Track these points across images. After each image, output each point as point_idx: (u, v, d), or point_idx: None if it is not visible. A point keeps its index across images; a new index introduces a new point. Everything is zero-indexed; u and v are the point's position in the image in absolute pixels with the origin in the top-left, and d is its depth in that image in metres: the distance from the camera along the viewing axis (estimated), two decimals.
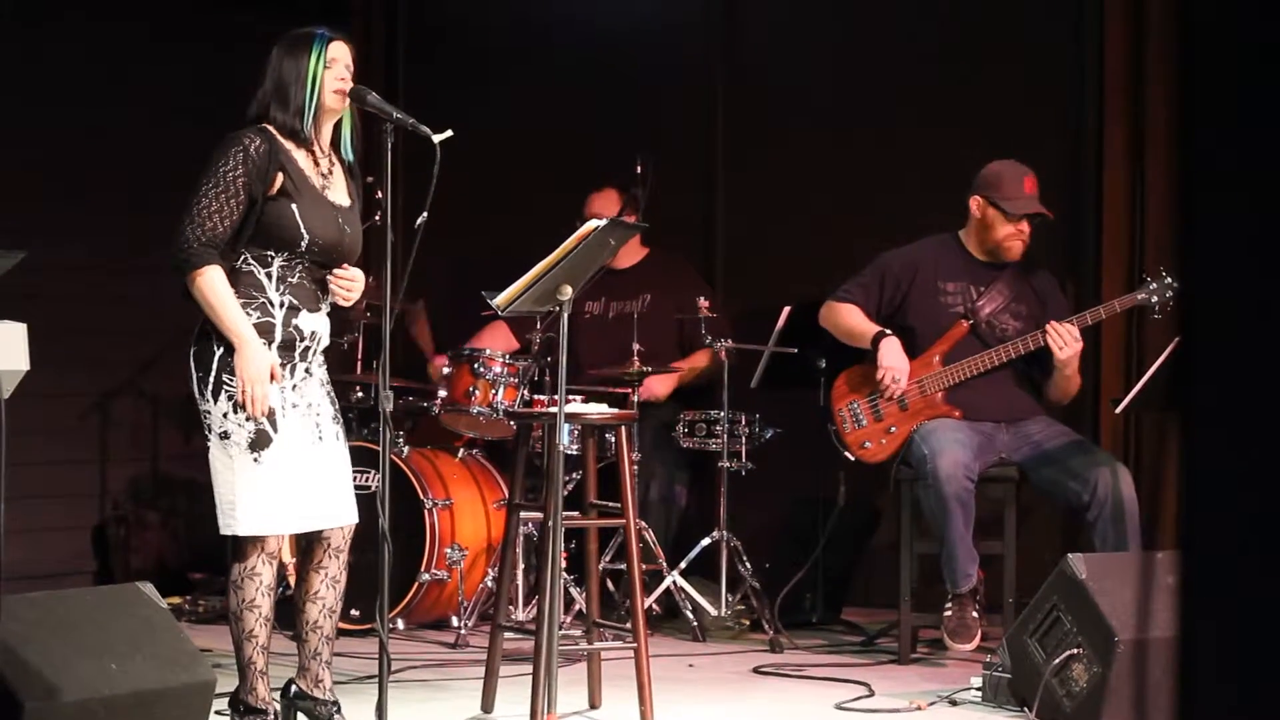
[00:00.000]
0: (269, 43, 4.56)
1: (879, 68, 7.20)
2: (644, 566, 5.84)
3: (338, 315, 4.67)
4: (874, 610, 6.79)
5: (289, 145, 4.48)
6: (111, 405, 7.38)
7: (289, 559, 5.52)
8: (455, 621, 6.52)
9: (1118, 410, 5.91)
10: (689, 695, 5.50)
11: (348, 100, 4.53)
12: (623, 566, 6.06)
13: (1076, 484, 5.88)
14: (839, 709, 5.28)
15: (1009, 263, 6.17)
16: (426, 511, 6.53)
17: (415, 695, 5.46)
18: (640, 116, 7.56)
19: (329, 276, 4.53)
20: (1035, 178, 6.08)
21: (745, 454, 6.56)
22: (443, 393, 6.60)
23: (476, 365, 6.50)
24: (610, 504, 5.21)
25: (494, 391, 6.48)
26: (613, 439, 6.21)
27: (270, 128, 4.48)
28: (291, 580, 4.83)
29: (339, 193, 4.58)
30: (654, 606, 6.57)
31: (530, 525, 6.42)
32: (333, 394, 4.65)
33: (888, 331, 6.11)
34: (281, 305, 4.46)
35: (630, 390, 6.50)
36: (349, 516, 4.60)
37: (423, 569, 6.50)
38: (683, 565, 6.49)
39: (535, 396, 6.30)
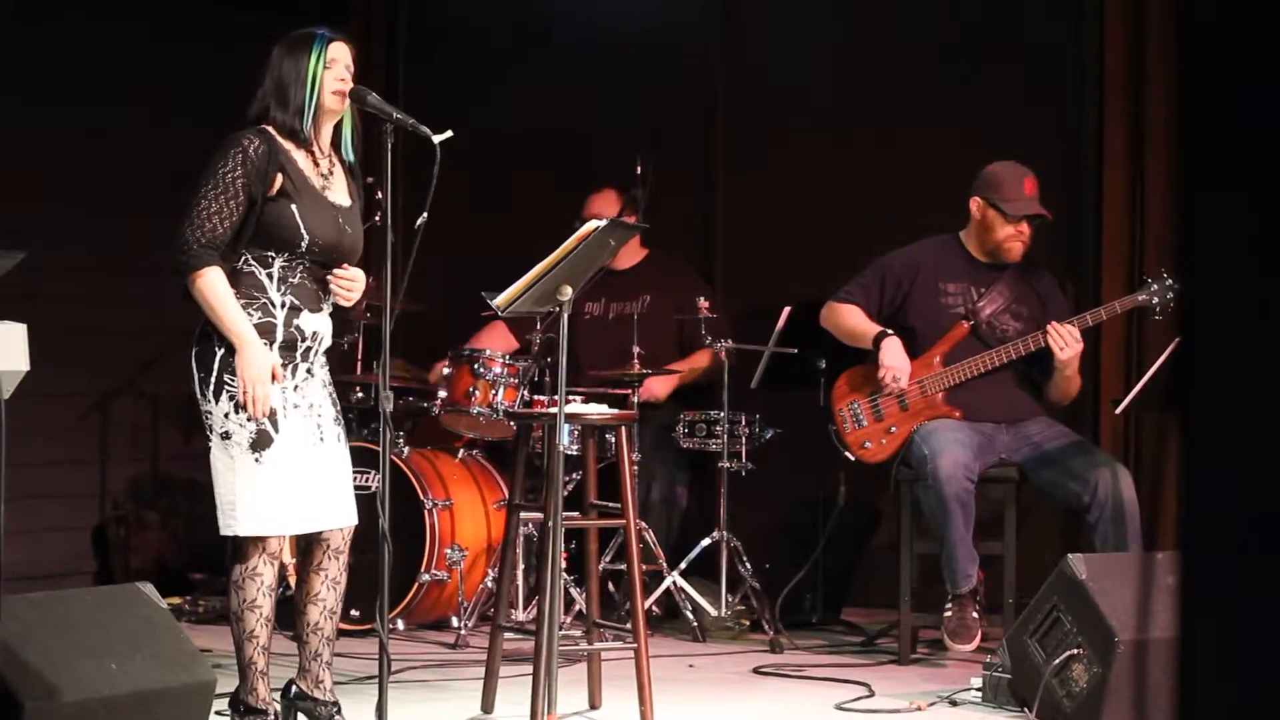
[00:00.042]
0: (269, 43, 4.56)
1: (879, 68, 7.20)
2: (644, 567, 5.83)
3: (338, 316, 4.67)
4: (874, 610, 6.79)
5: (289, 146, 4.48)
6: (111, 405, 7.38)
7: (289, 560, 5.52)
8: (455, 622, 6.51)
9: (1118, 411, 5.91)
10: (689, 696, 5.50)
11: (348, 101, 4.53)
12: (623, 567, 6.06)
13: (1076, 485, 5.88)
14: (839, 709, 5.28)
15: (1010, 264, 6.17)
16: (426, 512, 6.53)
17: (415, 696, 5.46)
18: (640, 116, 7.56)
19: (329, 277, 4.53)
20: (1035, 179, 6.08)
21: (745, 454, 6.56)
22: (443, 393, 6.60)
23: (476, 366, 6.50)
24: (610, 504, 5.21)
25: (494, 392, 6.48)
26: (613, 439, 6.21)
27: (270, 128, 4.48)
28: (292, 581, 4.82)
29: (339, 193, 4.58)
30: (654, 607, 6.57)
31: (530, 526, 6.42)
32: (334, 394, 4.65)
33: (889, 331, 6.11)
34: (283, 305, 4.46)
35: (630, 391, 6.49)
36: (349, 518, 4.60)
37: (423, 569, 6.50)
38: (683, 566, 6.49)
39: (535, 397, 6.30)
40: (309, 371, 4.53)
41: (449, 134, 4.39)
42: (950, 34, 7.11)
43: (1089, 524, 5.85)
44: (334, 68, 4.49)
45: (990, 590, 6.08)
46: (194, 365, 4.46)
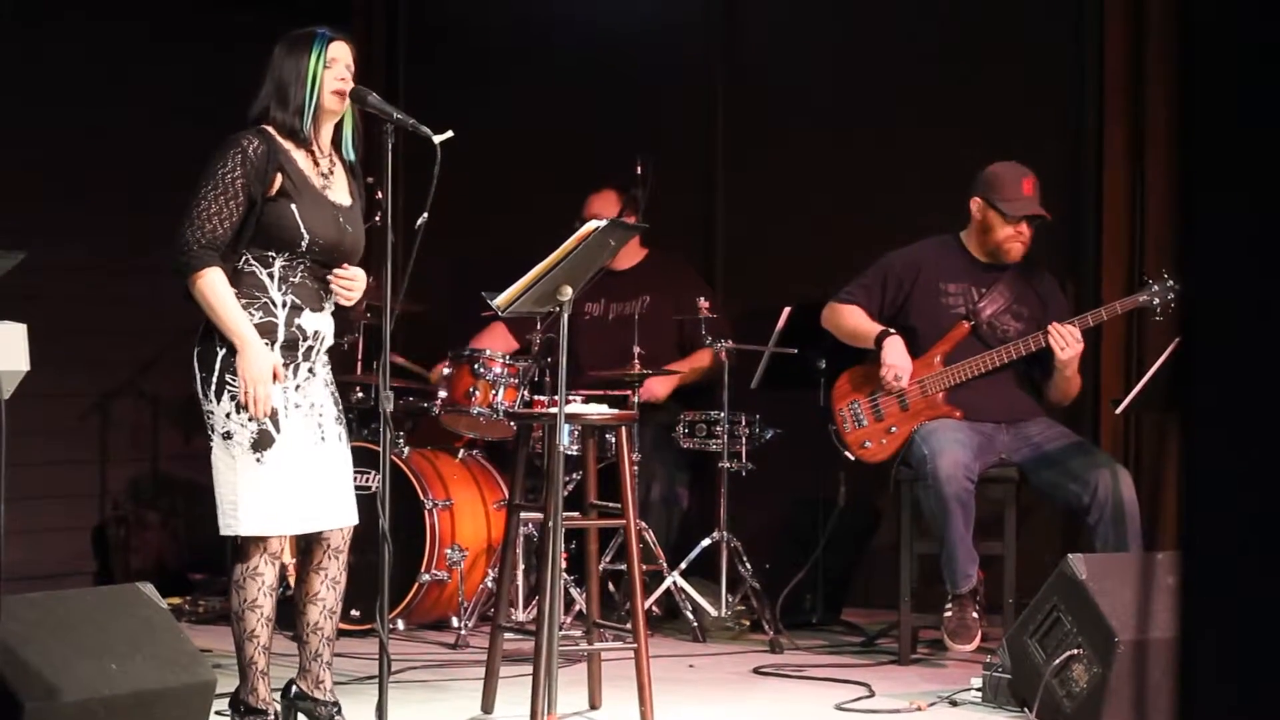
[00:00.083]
0: (269, 43, 4.56)
1: (879, 68, 7.20)
2: (644, 567, 5.83)
3: (339, 316, 4.66)
4: (874, 611, 6.79)
5: (288, 145, 4.48)
6: (111, 406, 7.38)
7: (289, 560, 5.52)
8: (455, 622, 6.51)
9: (1118, 411, 5.91)
10: (689, 696, 5.50)
11: (348, 100, 4.53)
12: (623, 567, 6.06)
13: (1077, 486, 5.88)
14: (839, 709, 5.28)
15: (1010, 264, 6.17)
16: (427, 512, 6.53)
17: (415, 696, 5.46)
18: (640, 116, 7.56)
19: (330, 276, 4.53)
20: (1035, 179, 6.08)
21: (745, 454, 6.56)
22: (443, 393, 6.60)
23: (476, 366, 6.50)
24: (610, 504, 5.21)
25: (494, 392, 6.48)
26: (613, 440, 6.21)
27: (269, 128, 4.48)
28: (292, 581, 4.82)
29: (340, 192, 4.58)
30: (654, 607, 6.57)
31: (530, 526, 6.42)
32: (337, 394, 4.65)
33: (891, 330, 6.12)
34: (284, 305, 4.46)
35: (630, 392, 6.49)
36: (349, 518, 4.60)
37: (423, 569, 6.50)
38: (683, 566, 6.49)
39: (535, 397, 6.30)
40: (311, 371, 4.53)
41: (449, 134, 4.39)
42: (950, 34, 7.11)
43: (1089, 524, 5.85)
44: (334, 67, 4.49)
45: (990, 590, 6.08)
46: (196, 365, 4.46)
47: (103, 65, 7.17)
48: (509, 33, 7.97)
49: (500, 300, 4.84)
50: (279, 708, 4.58)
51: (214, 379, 4.42)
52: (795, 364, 6.58)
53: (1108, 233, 6.64)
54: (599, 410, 5.22)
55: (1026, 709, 4.94)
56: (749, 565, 6.50)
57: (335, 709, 4.61)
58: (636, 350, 6.43)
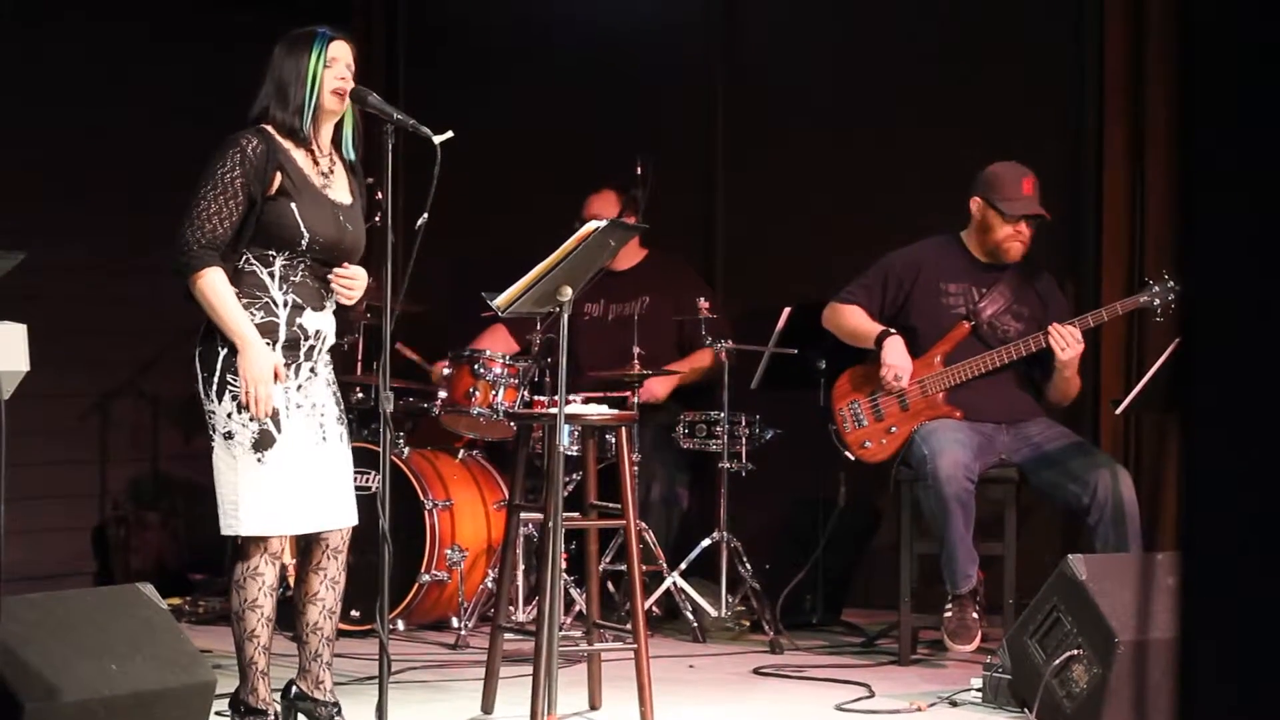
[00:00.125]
0: (269, 42, 4.56)
1: (879, 68, 7.20)
2: (644, 567, 5.83)
3: (339, 316, 4.66)
4: (874, 611, 6.79)
5: (288, 145, 4.48)
6: (111, 406, 7.38)
7: (289, 560, 5.52)
8: (455, 622, 6.51)
9: (1118, 411, 5.91)
10: (689, 696, 5.50)
11: (348, 100, 4.53)
12: (623, 567, 6.06)
13: (1076, 486, 5.88)
14: (839, 710, 5.27)
15: (1010, 264, 6.17)
16: (427, 512, 6.53)
17: (415, 696, 5.46)
18: (640, 116, 7.56)
19: (330, 275, 4.53)
20: (1035, 179, 6.08)
21: (745, 455, 6.56)
22: (443, 394, 6.60)
23: (476, 366, 6.50)
24: (610, 505, 5.21)
25: (494, 393, 6.48)
26: (613, 440, 6.21)
27: (269, 128, 4.48)
28: (291, 581, 4.82)
29: (340, 190, 4.58)
30: (654, 607, 6.57)
31: (530, 526, 6.42)
32: (339, 394, 4.65)
33: (892, 330, 6.12)
34: (285, 305, 4.46)
35: (630, 392, 6.49)
36: (349, 518, 4.60)
37: (423, 570, 6.50)
38: (683, 566, 6.49)
39: (535, 398, 6.30)
40: (312, 371, 4.53)
41: (449, 134, 4.39)
42: (950, 34, 7.11)
43: (1089, 525, 5.85)
44: (334, 66, 4.49)
45: (990, 591, 6.08)
46: (197, 365, 4.47)
47: (103, 65, 7.17)
48: (509, 33, 7.97)
49: (500, 300, 4.84)
50: (279, 708, 4.57)
51: (215, 379, 4.42)
52: (795, 364, 6.58)
53: (1108, 233, 6.64)
54: (599, 411, 5.22)
55: (1026, 709, 4.94)
56: (749, 565, 6.50)
57: (335, 709, 4.61)
58: (636, 350, 6.43)
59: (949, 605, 5.89)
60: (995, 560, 6.05)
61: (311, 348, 4.51)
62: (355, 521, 4.62)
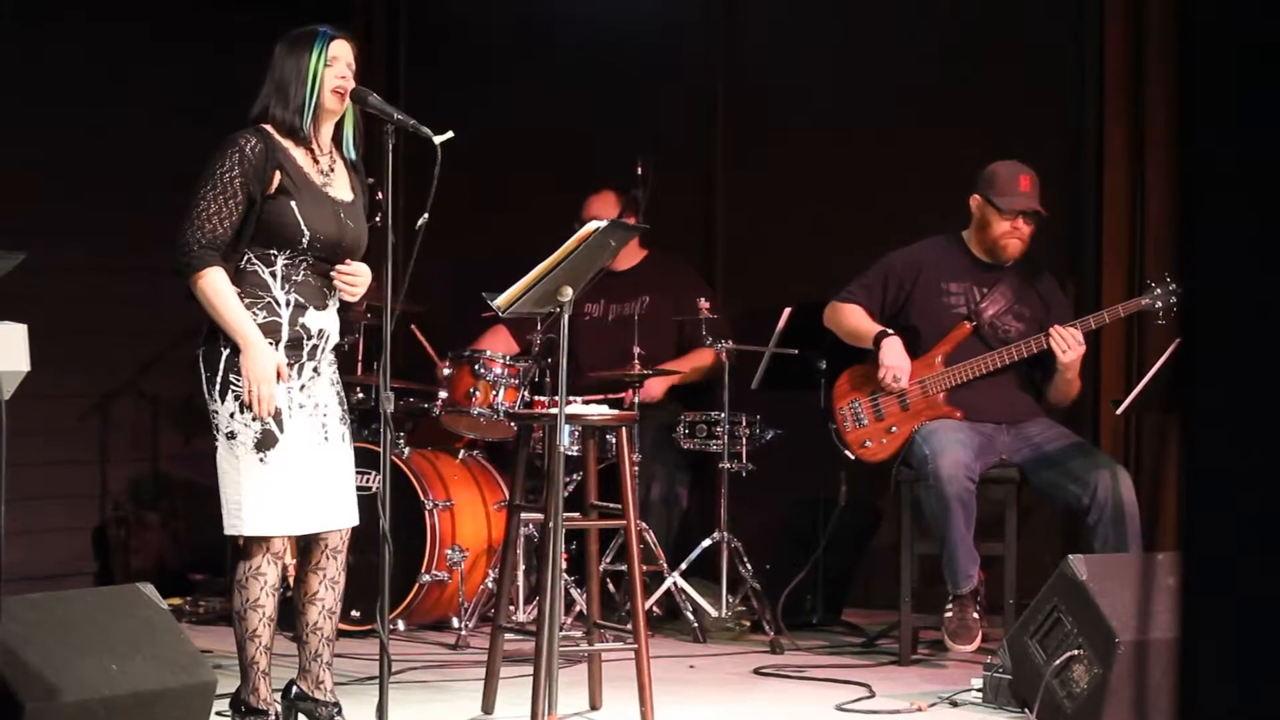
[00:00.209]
0: (269, 42, 4.56)
1: (879, 68, 7.20)
2: (645, 567, 5.83)
3: (340, 316, 4.66)
4: (875, 611, 6.79)
5: (287, 144, 4.48)
6: (112, 406, 7.37)
7: (289, 560, 5.52)
8: (456, 623, 6.51)
9: (1118, 412, 5.91)
10: (690, 696, 5.50)
11: (348, 99, 4.53)
12: (623, 568, 6.06)
13: (1076, 487, 5.88)
14: (840, 710, 5.27)
15: (1011, 264, 6.17)
16: (427, 513, 6.53)
17: (416, 696, 5.46)
18: (640, 116, 7.56)
19: (333, 272, 4.53)
20: (1034, 177, 6.08)
21: (746, 455, 6.56)
22: (443, 394, 6.60)
23: (477, 367, 6.50)
24: (611, 505, 5.21)
25: (494, 393, 6.48)
26: (613, 440, 6.21)
27: (268, 127, 4.48)
28: (291, 581, 4.82)
29: (341, 188, 4.58)
30: (655, 608, 6.57)
31: (531, 526, 6.42)
32: (342, 394, 4.65)
33: (890, 331, 6.12)
34: (288, 304, 4.46)
35: (630, 392, 6.49)
36: (350, 519, 4.60)
37: (423, 570, 6.50)
38: (683, 566, 6.49)
39: (536, 398, 6.30)
40: (316, 370, 4.53)
41: (449, 135, 4.39)
42: (950, 34, 7.11)
43: (1089, 525, 5.85)
44: (335, 65, 4.49)
45: (991, 591, 6.08)
46: (201, 365, 4.47)
47: (103, 65, 7.17)
48: (509, 32, 7.97)
49: (500, 301, 4.84)
50: (279, 708, 4.57)
51: (218, 379, 4.42)
52: (796, 364, 6.58)
53: (1108, 233, 6.64)
54: (599, 411, 5.22)
55: (1027, 710, 4.94)
56: (749, 566, 6.50)
57: (336, 709, 4.61)
58: (636, 351, 6.43)
59: (950, 605, 5.89)
60: (996, 560, 6.05)
61: (315, 347, 4.51)
62: (356, 522, 4.62)
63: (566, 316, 4.80)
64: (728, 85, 7.55)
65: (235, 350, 4.39)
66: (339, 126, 4.59)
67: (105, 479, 7.40)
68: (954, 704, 5.25)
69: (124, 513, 7.42)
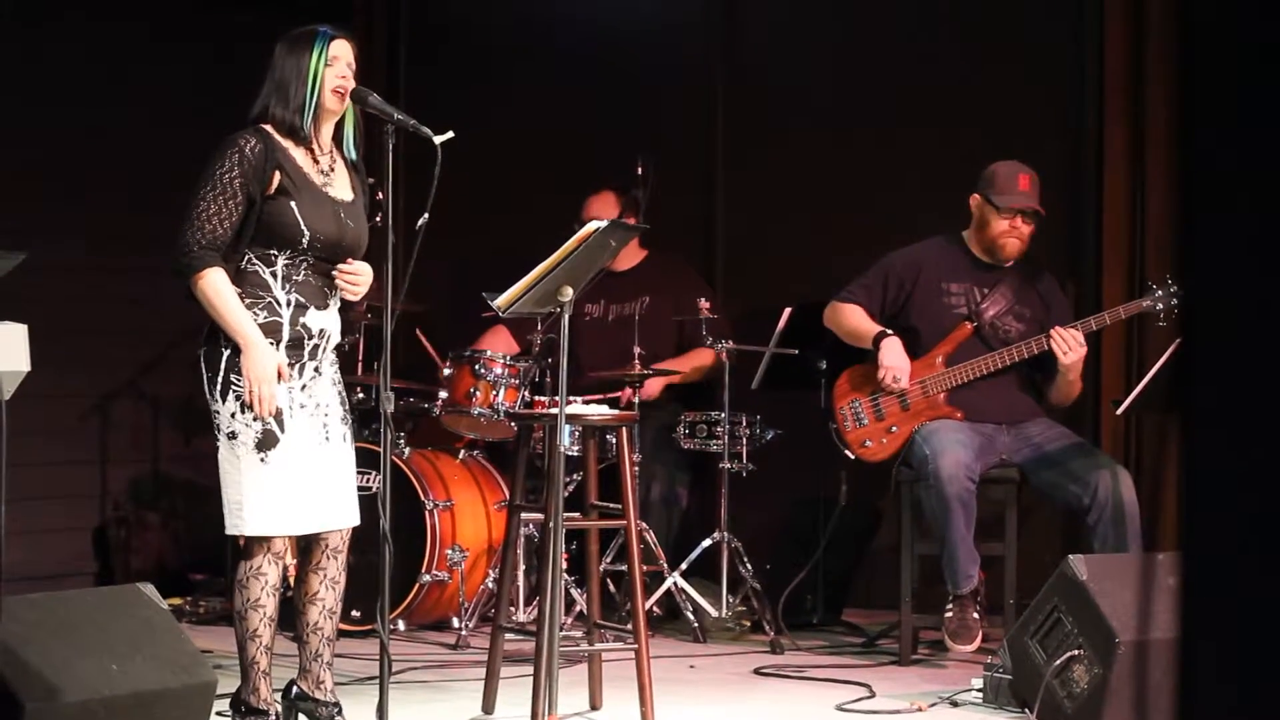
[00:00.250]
0: (269, 43, 4.56)
1: (879, 68, 7.20)
2: (645, 568, 5.83)
3: (340, 316, 4.66)
4: (875, 611, 6.79)
5: (287, 144, 4.48)
6: (112, 406, 7.37)
7: (289, 560, 5.52)
8: (456, 623, 6.51)
9: (1119, 412, 5.91)
10: (690, 696, 5.50)
11: (348, 99, 4.53)
12: (623, 568, 6.06)
13: (1077, 487, 5.88)
14: (840, 710, 5.27)
15: (1010, 264, 6.17)
16: (427, 513, 6.53)
17: (416, 696, 5.46)
18: (640, 116, 7.56)
19: (334, 272, 4.53)
20: (1033, 176, 6.08)
21: (746, 455, 6.56)
22: (444, 394, 6.60)
23: (477, 367, 6.50)
24: (611, 505, 5.21)
25: (495, 393, 6.48)
26: (613, 440, 6.21)
27: (267, 127, 4.48)
28: (292, 581, 4.82)
29: (341, 188, 4.57)
30: (655, 608, 6.57)
31: (531, 526, 6.42)
32: (344, 394, 4.65)
33: (889, 331, 6.12)
34: (288, 304, 4.46)
35: (631, 392, 6.49)
36: (350, 519, 4.60)
37: (423, 570, 6.50)
38: (684, 566, 6.49)
39: (536, 398, 6.30)
40: (317, 370, 4.53)
41: (450, 135, 4.39)
42: (950, 34, 7.11)
43: (1089, 525, 5.85)
44: (335, 65, 4.49)
45: (991, 591, 6.08)
46: (202, 365, 4.47)
47: (103, 65, 7.17)
48: (509, 32, 7.97)
49: (501, 301, 4.84)
50: (280, 708, 4.57)
51: (219, 379, 4.42)
52: (796, 365, 6.58)
53: (1108, 233, 6.64)
54: (600, 411, 5.22)
55: (1027, 710, 4.94)
56: (749, 566, 6.49)
57: (336, 709, 4.61)
58: (637, 351, 6.43)
59: (950, 605, 5.89)
60: (996, 560, 6.05)
61: (316, 347, 4.51)
62: (357, 522, 4.62)
63: (567, 316, 4.80)
64: (728, 85, 7.55)
65: (236, 350, 4.39)
66: (339, 126, 4.59)
67: (105, 479, 7.40)
68: (954, 704, 5.25)
69: (124, 513, 7.42)
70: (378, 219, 5.71)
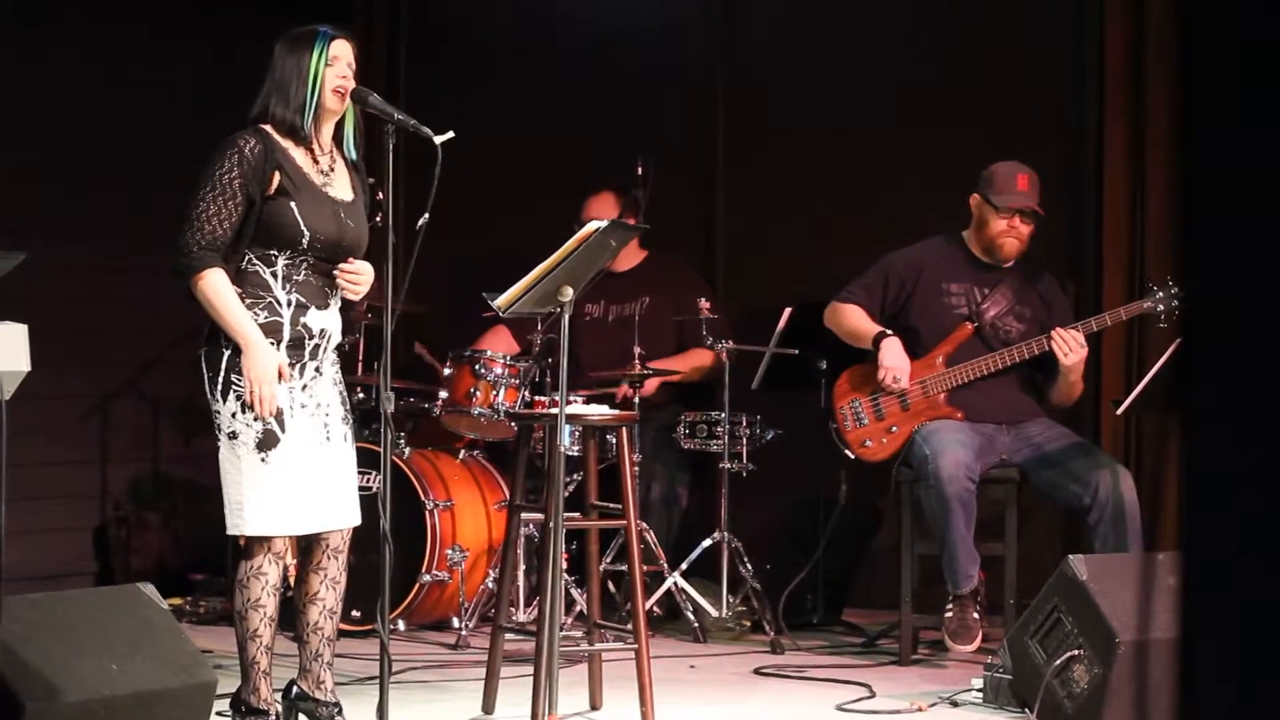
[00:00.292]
0: (269, 43, 4.56)
1: (879, 68, 7.20)
2: (645, 568, 5.83)
3: (340, 315, 4.66)
4: (875, 611, 6.79)
5: (287, 144, 4.48)
6: (112, 406, 7.37)
7: (289, 560, 5.52)
8: (456, 623, 6.51)
9: (1119, 412, 5.91)
10: (690, 696, 5.50)
11: (349, 99, 4.53)
12: (624, 568, 6.06)
13: (1077, 486, 5.88)
14: (840, 710, 5.27)
15: (1010, 264, 6.16)
16: (427, 513, 6.53)
17: (416, 696, 5.46)
18: (640, 116, 7.56)
19: (335, 271, 4.53)
20: (1032, 176, 6.08)
21: (746, 455, 6.56)
22: (444, 394, 6.60)
23: (477, 367, 6.50)
24: (611, 505, 5.21)
25: (495, 393, 6.48)
26: (614, 440, 6.21)
27: (267, 127, 4.48)
28: (292, 581, 4.82)
29: (341, 188, 4.57)
30: (655, 608, 6.57)
31: (531, 526, 6.42)
32: (344, 393, 4.65)
33: (888, 331, 6.12)
34: (289, 304, 4.46)
35: (632, 392, 6.50)
36: (351, 518, 4.60)
37: (424, 570, 6.50)
38: (684, 566, 6.49)
39: (536, 398, 6.30)
40: (318, 370, 4.53)
41: (450, 135, 4.39)
42: (950, 34, 7.11)
43: (1090, 525, 5.85)
44: (336, 65, 4.49)
45: (991, 591, 6.08)
46: (203, 365, 4.47)
47: (103, 65, 7.17)
48: (509, 32, 7.97)
49: (501, 301, 4.84)
50: (280, 708, 4.57)
51: (220, 379, 4.42)
52: (796, 365, 6.58)
53: (1108, 233, 6.64)
54: (600, 411, 5.22)
55: (1027, 710, 4.94)
56: (750, 566, 6.49)
57: (336, 709, 4.61)
58: (637, 351, 6.43)
59: (950, 605, 5.89)
60: (996, 560, 6.05)
61: (316, 347, 4.52)
62: (358, 521, 4.62)
63: (567, 317, 4.80)
64: (728, 85, 7.55)
65: (237, 350, 4.40)
66: (339, 126, 4.59)
67: (105, 479, 7.40)
68: (954, 704, 5.25)
69: (124, 513, 7.42)
70: (378, 219, 5.71)
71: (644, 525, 6.21)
